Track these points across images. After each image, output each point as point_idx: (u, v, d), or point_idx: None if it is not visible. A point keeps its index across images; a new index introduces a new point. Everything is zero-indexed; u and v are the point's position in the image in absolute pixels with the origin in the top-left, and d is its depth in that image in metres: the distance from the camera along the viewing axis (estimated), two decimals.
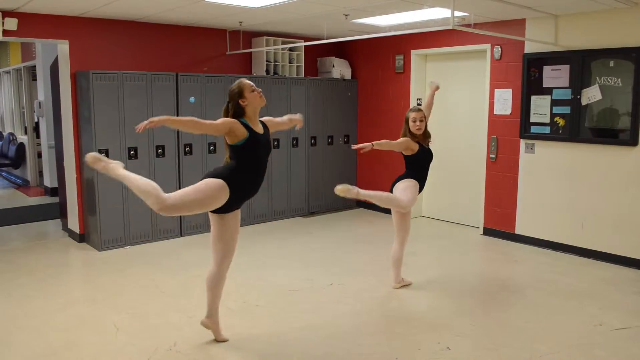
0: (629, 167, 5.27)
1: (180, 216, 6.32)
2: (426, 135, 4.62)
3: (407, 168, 4.62)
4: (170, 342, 3.66)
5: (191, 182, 6.33)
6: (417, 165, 4.58)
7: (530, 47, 5.88)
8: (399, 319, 4.09)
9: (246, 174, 3.40)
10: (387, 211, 7.62)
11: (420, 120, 4.51)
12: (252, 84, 3.49)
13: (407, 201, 4.43)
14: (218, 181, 3.28)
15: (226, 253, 3.65)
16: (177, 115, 6.13)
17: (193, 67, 6.72)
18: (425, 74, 7.27)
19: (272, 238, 6.39)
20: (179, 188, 6.22)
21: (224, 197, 3.29)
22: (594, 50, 5.40)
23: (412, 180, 4.53)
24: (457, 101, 6.95)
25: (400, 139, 4.52)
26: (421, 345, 3.65)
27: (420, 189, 4.63)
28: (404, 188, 4.49)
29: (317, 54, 7.81)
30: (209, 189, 3.25)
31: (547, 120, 5.82)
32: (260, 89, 3.52)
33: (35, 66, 9.20)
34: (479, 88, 6.53)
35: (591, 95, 5.47)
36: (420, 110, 4.57)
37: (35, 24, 5.58)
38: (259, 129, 3.48)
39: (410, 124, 4.51)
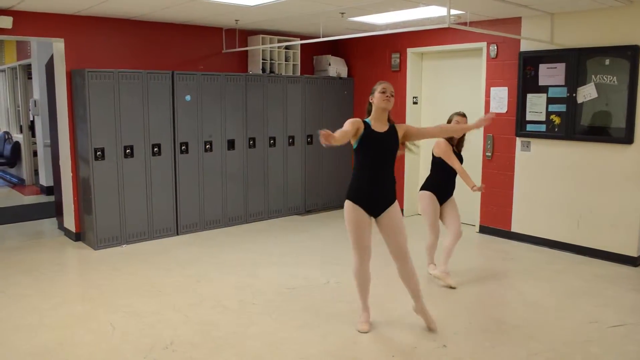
0: (625, 165, 5.29)
1: (177, 215, 6.31)
2: (463, 141, 4.76)
3: (431, 171, 4.85)
4: (167, 340, 3.66)
5: (188, 181, 6.38)
6: (442, 168, 4.71)
7: (526, 46, 5.89)
8: (395, 317, 4.09)
9: (360, 171, 3.61)
10: None
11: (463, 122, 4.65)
12: (385, 86, 3.64)
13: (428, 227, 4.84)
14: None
15: (356, 250, 3.74)
16: (173, 114, 6.13)
17: (189, 65, 6.71)
18: (422, 72, 7.28)
19: (268, 236, 6.39)
20: (175, 186, 6.26)
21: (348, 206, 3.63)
22: (589, 48, 5.42)
23: (426, 192, 4.78)
24: (453, 99, 6.95)
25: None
26: (417, 344, 3.65)
27: (441, 197, 4.80)
28: (422, 209, 4.87)
29: (313, 52, 7.80)
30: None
31: (542, 118, 5.83)
32: (389, 93, 3.60)
33: (30, 64, 9.18)
34: (475, 86, 6.54)
35: (587, 93, 5.48)
36: (464, 115, 4.65)
37: (31, 23, 5.56)
38: (380, 128, 3.58)
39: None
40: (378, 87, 3.65)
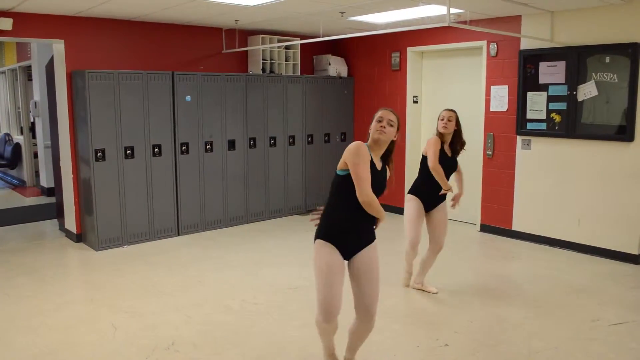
0: (625, 162, 5.29)
1: (177, 215, 6.32)
2: (456, 141, 4.32)
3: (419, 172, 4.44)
4: (169, 341, 3.66)
5: (189, 181, 6.37)
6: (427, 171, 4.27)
7: (526, 44, 5.89)
8: (396, 316, 4.09)
9: (344, 206, 2.92)
10: (384, 209, 7.62)
11: (449, 120, 4.23)
12: (383, 114, 3.00)
13: (408, 238, 4.45)
14: None
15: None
16: (174, 115, 6.13)
17: (189, 66, 6.71)
18: (422, 71, 7.27)
19: (269, 236, 6.39)
20: (176, 187, 6.26)
21: None
22: (589, 46, 5.41)
23: (411, 197, 4.39)
24: (453, 98, 6.94)
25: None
26: (419, 342, 3.65)
27: (428, 203, 4.35)
28: (404, 215, 4.46)
29: (313, 51, 7.80)
30: None
31: (543, 116, 5.82)
32: (385, 123, 2.92)
33: (30, 66, 9.17)
34: (475, 85, 6.53)
35: (587, 91, 5.48)
36: (452, 111, 4.27)
37: (31, 24, 5.56)
38: (377, 163, 2.96)
39: (439, 122, 4.27)
40: (376, 115, 3.03)
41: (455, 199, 4.42)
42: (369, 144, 3.00)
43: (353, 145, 2.88)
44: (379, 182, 2.95)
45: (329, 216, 2.98)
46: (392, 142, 3.06)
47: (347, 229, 2.93)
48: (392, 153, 3.09)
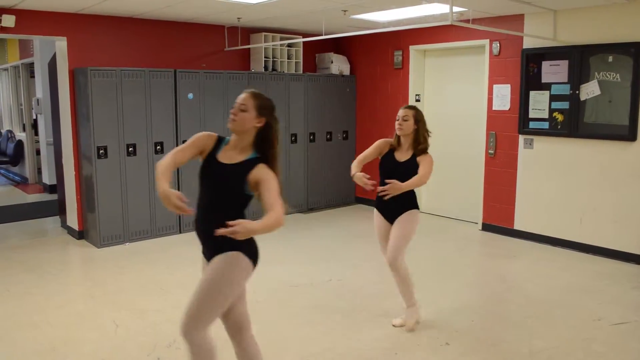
0: (628, 162, 5.28)
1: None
2: (415, 140, 3.66)
3: None
4: (170, 338, 3.67)
5: (189, 179, 6.37)
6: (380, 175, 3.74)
7: (529, 43, 5.87)
8: (398, 314, 4.09)
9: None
10: None
11: (404, 119, 3.64)
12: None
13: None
14: None
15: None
16: (176, 112, 6.13)
17: (191, 63, 6.71)
18: (424, 69, 7.26)
19: (271, 234, 6.35)
20: (178, 184, 6.26)
21: None
22: (592, 45, 5.40)
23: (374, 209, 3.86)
24: (455, 97, 6.94)
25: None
26: (420, 341, 3.65)
27: (383, 212, 3.78)
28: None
29: (315, 50, 7.80)
30: None
31: (545, 115, 5.81)
32: (235, 108, 2.55)
33: (33, 63, 9.18)
34: (478, 84, 6.52)
35: (590, 90, 5.46)
36: (411, 108, 3.69)
37: (33, 21, 5.57)
38: (225, 158, 2.56)
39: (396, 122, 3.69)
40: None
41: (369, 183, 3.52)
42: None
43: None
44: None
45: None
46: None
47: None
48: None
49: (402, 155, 3.68)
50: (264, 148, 2.54)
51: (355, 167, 3.63)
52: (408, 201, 3.69)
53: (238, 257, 2.47)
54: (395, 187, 3.41)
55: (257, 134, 2.54)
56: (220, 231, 2.17)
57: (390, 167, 3.68)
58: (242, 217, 2.45)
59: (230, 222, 2.16)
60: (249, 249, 2.52)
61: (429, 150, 3.70)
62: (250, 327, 2.68)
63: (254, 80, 6.78)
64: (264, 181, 2.43)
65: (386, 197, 3.48)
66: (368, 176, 3.49)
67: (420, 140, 3.65)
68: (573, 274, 5.00)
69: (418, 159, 3.62)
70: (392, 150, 3.74)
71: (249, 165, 2.48)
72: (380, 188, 3.51)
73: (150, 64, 6.28)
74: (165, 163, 2.49)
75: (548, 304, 4.29)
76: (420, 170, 3.58)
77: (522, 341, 3.64)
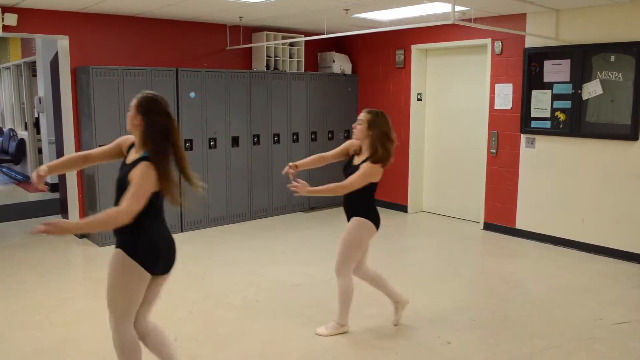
0: (630, 161, 5.27)
1: (181, 211, 6.32)
2: (370, 147, 3.50)
3: None
4: (171, 337, 3.66)
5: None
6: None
7: (531, 42, 5.86)
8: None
9: (159, 217, 2.89)
10: (388, 206, 7.65)
11: (359, 124, 3.55)
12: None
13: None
14: None
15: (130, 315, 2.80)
16: (177, 111, 6.13)
17: (193, 62, 6.71)
18: (426, 68, 7.26)
19: (272, 233, 6.40)
20: (179, 183, 6.26)
21: None
22: (594, 44, 5.39)
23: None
24: (457, 96, 6.94)
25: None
26: (421, 340, 3.65)
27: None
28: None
29: (317, 49, 7.79)
30: None
31: (547, 115, 5.80)
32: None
33: (35, 62, 9.19)
34: (480, 83, 6.52)
35: (592, 90, 5.46)
36: (367, 112, 3.56)
37: (35, 20, 5.57)
38: (129, 159, 2.75)
39: None
40: None
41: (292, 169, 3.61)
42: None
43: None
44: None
45: (155, 233, 2.80)
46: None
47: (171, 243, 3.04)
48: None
49: (358, 159, 3.59)
50: (148, 146, 2.55)
51: (308, 159, 3.77)
52: (354, 208, 3.62)
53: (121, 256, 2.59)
54: (301, 187, 3.30)
55: (141, 133, 2.57)
56: (35, 230, 2.26)
57: (343, 168, 3.69)
58: (147, 215, 2.54)
59: (45, 221, 2.25)
60: (133, 250, 2.59)
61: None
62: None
63: (256, 79, 6.78)
64: (131, 179, 2.49)
65: (295, 195, 3.38)
66: (296, 166, 3.62)
67: (375, 147, 3.45)
68: (574, 274, 4.99)
69: (361, 165, 3.47)
70: (356, 152, 3.66)
71: (135, 163, 2.53)
72: (291, 184, 3.35)
73: (152, 63, 6.28)
74: (75, 154, 2.88)
75: (549, 304, 4.28)
76: (349, 177, 3.49)
77: (523, 341, 3.64)
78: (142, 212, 2.48)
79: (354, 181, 3.45)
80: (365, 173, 3.44)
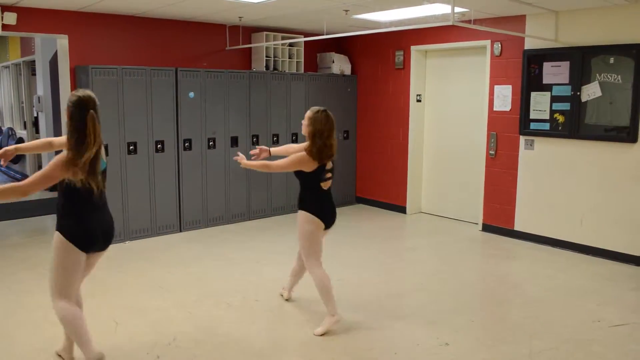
0: (629, 163, 5.28)
1: (180, 211, 6.32)
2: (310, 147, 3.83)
3: None
4: (170, 337, 3.67)
5: (191, 177, 6.38)
6: None
7: (530, 44, 5.87)
8: (398, 315, 4.10)
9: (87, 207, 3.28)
10: (387, 207, 7.66)
11: (303, 121, 3.90)
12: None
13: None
14: None
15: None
16: (177, 111, 6.13)
17: (192, 62, 6.71)
18: (425, 70, 7.27)
19: (271, 233, 6.40)
20: (178, 183, 6.27)
21: None
22: (594, 46, 5.40)
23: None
24: (456, 97, 6.94)
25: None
26: (420, 341, 3.65)
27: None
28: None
29: (317, 49, 7.80)
30: None
31: (546, 116, 5.81)
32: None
33: (34, 61, 9.16)
34: (479, 84, 6.52)
35: (591, 92, 5.46)
36: (314, 110, 3.95)
37: (35, 19, 5.57)
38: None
39: None
40: None
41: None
42: None
43: None
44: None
45: (82, 219, 3.23)
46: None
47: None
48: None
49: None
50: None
51: (282, 147, 4.14)
52: (299, 202, 3.90)
53: (58, 238, 3.12)
54: (240, 159, 3.82)
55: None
56: None
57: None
58: (75, 201, 3.02)
59: None
60: (66, 231, 3.11)
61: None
62: None
63: (255, 79, 6.78)
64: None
65: (241, 166, 3.83)
66: (269, 151, 4.06)
67: (315, 141, 3.83)
68: (573, 275, 5.00)
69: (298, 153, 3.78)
70: None
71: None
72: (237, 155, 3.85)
73: (152, 63, 6.28)
74: (41, 139, 3.42)
75: (548, 305, 4.29)
76: (283, 159, 3.79)
77: (521, 342, 3.64)
78: (70, 199, 3.00)
79: (283, 163, 3.77)
80: (295, 160, 3.75)
